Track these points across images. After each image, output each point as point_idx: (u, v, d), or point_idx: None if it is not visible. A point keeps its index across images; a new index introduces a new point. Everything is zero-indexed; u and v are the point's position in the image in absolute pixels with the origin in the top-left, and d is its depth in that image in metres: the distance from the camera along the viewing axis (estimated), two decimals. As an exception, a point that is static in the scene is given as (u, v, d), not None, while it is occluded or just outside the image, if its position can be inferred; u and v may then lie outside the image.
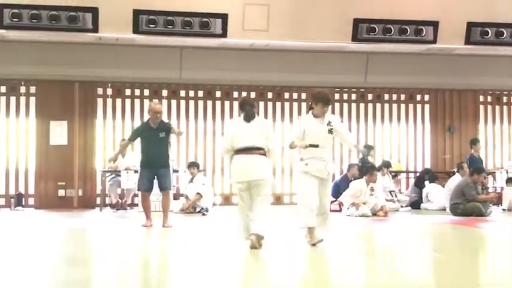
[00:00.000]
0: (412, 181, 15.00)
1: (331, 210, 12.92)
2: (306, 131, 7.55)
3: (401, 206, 13.87)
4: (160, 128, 9.99)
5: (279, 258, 7.10)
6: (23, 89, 14.09)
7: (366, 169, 12.66)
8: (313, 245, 7.49)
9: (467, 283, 5.82)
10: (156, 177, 9.92)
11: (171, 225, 9.84)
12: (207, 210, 12.70)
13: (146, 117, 14.29)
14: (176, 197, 13.18)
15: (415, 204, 14.00)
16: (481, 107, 15.89)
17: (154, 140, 9.81)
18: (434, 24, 13.10)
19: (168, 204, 10.06)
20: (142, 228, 9.85)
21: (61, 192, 14.02)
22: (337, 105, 15.27)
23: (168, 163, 10.12)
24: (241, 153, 7.47)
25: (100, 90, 14.41)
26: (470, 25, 13.24)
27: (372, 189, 12.36)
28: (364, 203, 12.27)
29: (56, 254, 7.49)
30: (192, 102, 14.85)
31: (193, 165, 13.24)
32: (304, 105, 15.18)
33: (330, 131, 7.57)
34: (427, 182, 14.19)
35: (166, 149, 10.14)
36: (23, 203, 13.77)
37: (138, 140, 10.13)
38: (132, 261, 6.97)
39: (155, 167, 9.83)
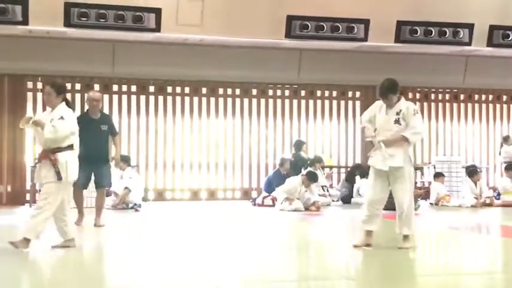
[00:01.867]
0: (343, 176, 15.27)
1: (264, 205, 13.23)
2: (375, 119, 7.05)
3: (333, 201, 14.12)
4: (102, 119, 9.54)
5: (208, 256, 7.14)
6: (-51, 83, 13.69)
7: (309, 176, 12.76)
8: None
9: (394, 275, 5.99)
10: (93, 173, 9.53)
11: (104, 224, 9.55)
12: (139, 206, 12.61)
13: (77, 111, 14.18)
14: (109, 193, 12.99)
15: (346, 199, 14.25)
16: (410, 103, 16.28)
17: (94, 132, 9.23)
18: (365, 23, 13.37)
19: (102, 202, 9.72)
20: (74, 225, 9.66)
21: (-11, 188, 13.68)
22: (270, 101, 15.43)
23: (108, 159, 9.67)
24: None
25: (30, 84, 14.09)
26: (400, 24, 13.57)
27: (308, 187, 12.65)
28: (298, 198, 12.47)
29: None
30: (124, 97, 14.69)
31: (121, 159, 13.02)
32: (238, 100, 15.26)
33: (397, 121, 6.94)
34: (358, 177, 14.46)
35: (107, 143, 9.65)
36: (-51, 200, 13.39)
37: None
38: (60, 260, 6.88)
39: (94, 162, 9.23)
